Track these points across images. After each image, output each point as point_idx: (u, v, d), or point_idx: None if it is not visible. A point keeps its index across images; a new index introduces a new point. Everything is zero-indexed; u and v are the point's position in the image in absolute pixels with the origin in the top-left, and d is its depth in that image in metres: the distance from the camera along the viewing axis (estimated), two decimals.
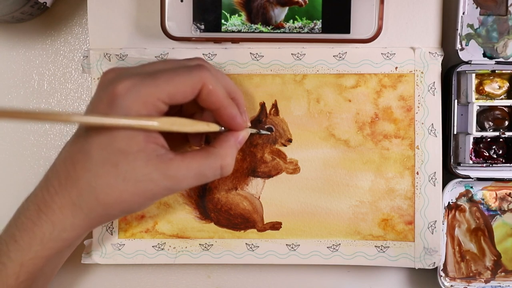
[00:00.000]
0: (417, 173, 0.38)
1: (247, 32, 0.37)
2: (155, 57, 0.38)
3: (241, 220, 0.39)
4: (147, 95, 0.28)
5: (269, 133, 0.38)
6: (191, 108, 0.34)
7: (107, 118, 0.28)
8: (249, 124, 0.35)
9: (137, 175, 0.29)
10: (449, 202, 0.39)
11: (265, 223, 0.39)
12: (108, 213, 0.30)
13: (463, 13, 0.38)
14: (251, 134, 0.38)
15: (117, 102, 0.28)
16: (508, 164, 0.38)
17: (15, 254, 0.30)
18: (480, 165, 0.38)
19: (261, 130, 0.38)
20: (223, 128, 0.33)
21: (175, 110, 0.34)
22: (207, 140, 0.37)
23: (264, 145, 0.38)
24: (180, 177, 0.29)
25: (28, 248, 0.30)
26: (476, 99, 0.38)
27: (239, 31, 0.37)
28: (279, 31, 0.37)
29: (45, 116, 0.27)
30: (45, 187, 0.30)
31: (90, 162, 0.29)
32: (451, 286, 0.39)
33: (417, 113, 0.38)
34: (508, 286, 0.39)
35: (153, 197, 0.30)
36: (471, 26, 0.38)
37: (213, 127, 0.32)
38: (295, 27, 0.37)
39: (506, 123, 0.39)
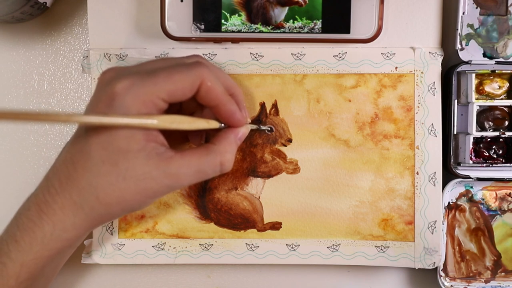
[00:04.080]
0: (417, 173, 0.38)
1: (247, 32, 0.37)
2: (155, 57, 0.38)
3: (241, 220, 0.39)
4: (146, 94, 0.28)
5: (269, 128, 0.38)
6: (190, 106, 0.34)
7: (107, 117, 0.28)
8: (249, 121, 0.35)
9: (137, 174, 0.29)
10: (449, 202, 0.39)
11: (265, 223, 0.39)
12: (109, 213, 0.30)
13: (463, 13, 0.38)
14: (252, 134, 0.38)
15: (116, 102, 0.28)
16: (508, 164, 0.38)
17: (15, 254, 0.30)
18: (480, 165, 0.38)
19: (261, 126, 0.38)
20: (222, 125, 0.33)
21: (175, 109, 0.34)
22: (207, 140, 0.37)
23: (264, 145, 0.38)
24: (181, 175, 0.29)
25: (29, 248, 0.30)
26: (476, 99, 0.38)
27: (239, 31, 0.37)
28: (279, 31, 0.37)
29: (45, 117, 0.26)
30: (45, 187, 0.30)
31: (91, 162, 0.29)
32: (451, 286, 0.39)
33: (417, 113, 0.38)
34: (508, 286, 0.39)
35: (154, 196, 0.30)
36: (471, 26, 0.38)
37: (213, 124, 0.32)
38: (295, 27, 0.37)
39: (506, 123, 0.39)
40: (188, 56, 0.33)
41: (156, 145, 0.29)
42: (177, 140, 0.36)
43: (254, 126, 0.37)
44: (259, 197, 0.39)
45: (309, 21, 0.37)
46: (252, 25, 0.37)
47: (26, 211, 0.30)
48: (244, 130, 0.33)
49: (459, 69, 0.38)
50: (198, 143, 0.36)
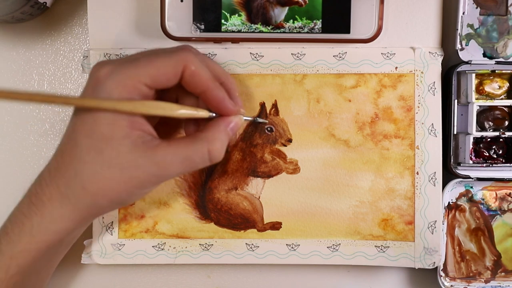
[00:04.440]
0: (417, 173, 0.38)
1: (247, 32, 0.37)
2: None
3: (241, 220, 0.39)
4: (127, 78, 0.28)
5: (267, 122, 0.38)
6: (188, 99, 0.33)
7: (84, 99, 0.28)
8: (244, 111, 0.33)
9: (122, 162, 0.28)
10: (449, 202, 0.39)
11: (265, 223, 0.39)
12: (96, 204, 0.30)
13: (463, 13, 0.38)
14: (252, 134, 0.38)
15: (99, 87, 0.28)
16: (508, 164, 0.38)
17: (5, 246, 0.30)
18: (480, 165, 0.38)
19: (257, 119, 0.37)
20: (214, 114, 0.32)
21: (172, 100, 0.33)
22: None
23: (264, 145, 0.38)
24: (167, 163, 0.29)
25: (18, 240, 0.30)
26: (476, 99, 0.38)
27: (239, 31, 0.37)
28: (279, 31, 0.37)
29: (20, 96, 0.27)
30: (37, 181, 0.31)
31: (76, 150, 0.29)
32: (451, 286, 0.39)
33: (417, 113, 0.38)
34: (508, 286, 0.39)
35: (141, 186, 0.29)
36: (471, 26, 0.38)
37: (202, 113, 0.31)
38: (295, 27, 0.37)
39: (506, 123, 0.39)
40: (177, 46, 0.33)
41: (142, 134, 0.29)
42: (170, 132, 0.36)
43: (249, 118, 0.37)
44: (259, 197, 0.39)
45: (309, 21, 0.37)
46: (252, 25, 0.37)
47: (18, 205, 0.31)
48: (236, 120, 0.32)
49: (459, 69, 0.38)
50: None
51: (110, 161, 0.28)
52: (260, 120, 0.38)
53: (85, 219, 0.31)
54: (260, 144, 0.38)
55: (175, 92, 0.33)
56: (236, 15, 0.37)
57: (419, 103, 0.38)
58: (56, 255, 0.34)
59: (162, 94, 0.32)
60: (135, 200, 0.33)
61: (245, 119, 0.34)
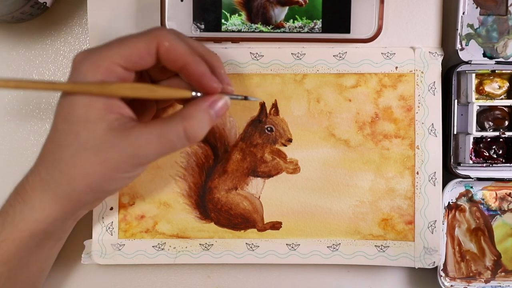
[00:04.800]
0: (417, 173, 0.38)
1: (247, 32, 0.37)
2: None
3: (241, 220, 0.39)
4: (99, 59, 0.28)
5: (260, 100, 0.38)
6: (181, 86, 0.32)
7: (52, 83, 0.28)
8: (232, 89, 0.31)
9: (97, 143, 0.28)
10: (449, 202, 0.39)
11: (265, 223, 0.39)
12: (74, 189, 0.29)
13: (463, 13, 0.38)
14: (252, 134, 0.38)
15: (75, 71, 0.29)
16: (508, 164, 0.38)
17: None
18: (480, 165, 0.38)
19: (249, 97, 0.34)
20: (199, 94, 0.30)
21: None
22: None
23: (264, 145, 0.38)
24: (142, 142, 0.28)
25: (0, 230, 0.30)
26: (476, 99, 0.38)
27: (239, 31, 0.37)
28: (279, 31, 0.37)
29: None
30: (26, 173, 0.31)
31: (56, 136, 0.29)
32: (451, 286, 0.39)
33: (417, 113, 0.38)
34: (508, 286, 0.39)
35: (117, 168, 0.29)
36: (471, 26, 0.38)
37: (184, 94, 0.30)
38: (295, 27, 0.37)
39: (506, 123, 0.39)
40: None
41: (119, 116, 0.29)
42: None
43: (239, 96, 0.32)
44: (259, 197, 0.39)
45: (309, 21, 0.37)
46: (252, 24, 0.37)
47: (7, 197, 0.31)
48: (222, 102, 0.30)
49: (459, 69, 0.38)
50: None
51: (86, 143, 0.28)
52: (252, 98, 0.34)
53: (67, 207, 0.30)
54: (260, 144, 0.38)
55: (168, 83, 0.32)
56: (236, 14, 0.37)
57: (419, 103, 0.38)
58: (43, 249, 0.33)
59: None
60: (117, 187, 0.32)
61: (233, 98, 0.31)
